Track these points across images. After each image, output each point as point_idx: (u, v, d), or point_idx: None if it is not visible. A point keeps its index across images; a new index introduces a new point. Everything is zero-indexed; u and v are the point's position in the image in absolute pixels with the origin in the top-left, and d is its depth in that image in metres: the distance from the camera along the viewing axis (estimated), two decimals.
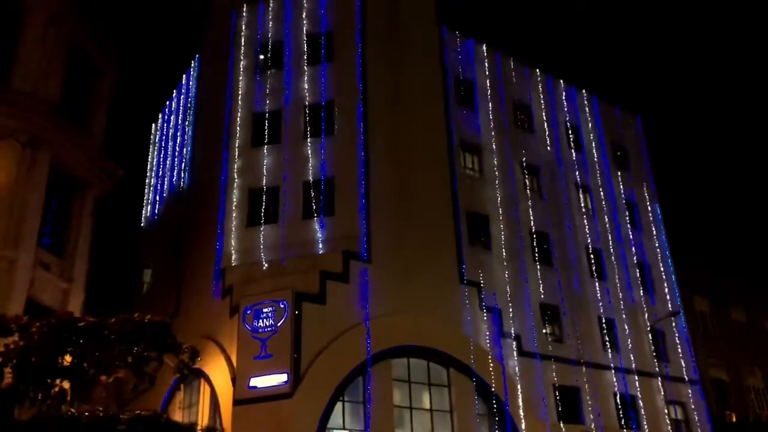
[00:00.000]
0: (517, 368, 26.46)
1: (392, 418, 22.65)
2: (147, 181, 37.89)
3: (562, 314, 29.52)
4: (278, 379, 20.86)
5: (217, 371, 22.80)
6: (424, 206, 26.70)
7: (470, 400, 24.58)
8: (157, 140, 37.99)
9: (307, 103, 27.18)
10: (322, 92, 27.32)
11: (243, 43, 29.06)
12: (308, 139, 26.48)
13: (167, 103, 37.03)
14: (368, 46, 28.27)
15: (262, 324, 21.61)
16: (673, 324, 33.89)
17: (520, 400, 25.75)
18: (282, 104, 27.39)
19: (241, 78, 28.32)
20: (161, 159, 36.21)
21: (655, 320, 31.40)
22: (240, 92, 28.01)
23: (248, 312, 21.93)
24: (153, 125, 39.20)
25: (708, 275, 38.56)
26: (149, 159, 38.44)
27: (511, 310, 27.56)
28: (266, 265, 24.09)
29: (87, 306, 20.74)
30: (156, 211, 35.11)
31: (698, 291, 37.54)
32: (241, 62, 28.62)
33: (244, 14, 29.66)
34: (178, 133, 33.91)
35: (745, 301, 40.04)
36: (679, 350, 33.36)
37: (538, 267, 29.67)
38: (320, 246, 24.45)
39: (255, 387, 21.08)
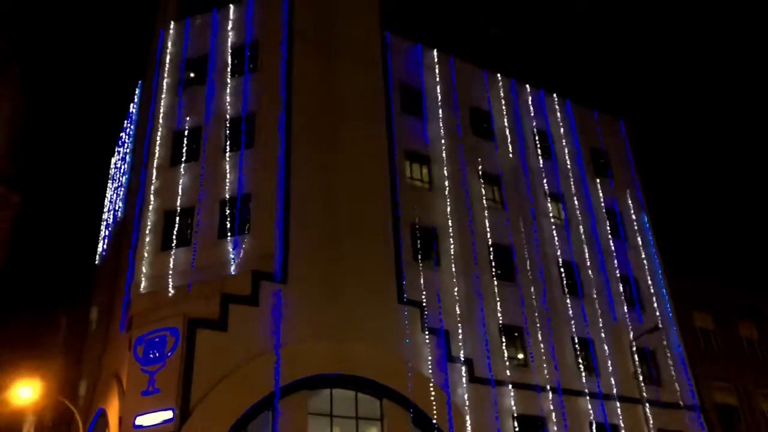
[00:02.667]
0: (466, 396, 23.46)
1: None
2: (103, 216, 36.54)
3: (526, 335, 26.47)
4: (163, 416, 18.47)
5: (113, 411, 20.55)
6: (357, 220, 24.31)
7: None
8: (111, 174, 36.74)
9: (228, 117, 25.36)
10: (243, 105, 25.48)
11: (168, 61, 27.57)
12: (227, 155, 24.54)
13: (120, 134, 35.85)
14: (297, 54, 26.43)
15: (152, 356, 19.36)
16: (664, 342, 30.36)
17: None
18: (203, 120, 25.61)
19: (164, 96, 26.72)
20: (113, 192, 34.84)
21: (634, 339, 27.90)
22: (162, 111, 26.35)
23: (140, 343, 19.75)
24: (112, 159, 38.03)
25: (710, 288, 34.82)
26: (106, 194, 37.18)
27: (461, 331, 24.69)
28: (172, 291, 21.93)
29: None
30: (105, 246, 33.56)
31: (698, 306, 33.82)
32: (165, 80, 27.07)
33: (171, 31, 28.25)
34: (124, 164, 32.50)
35: (757, 315, 36.04)
36: (673, 372, 29.73)
37: (496, 283, 26.80)
38: (232, 268, 22.22)
39: (140, 426, 18.71)
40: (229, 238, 22.86)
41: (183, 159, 25.01)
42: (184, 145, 25.26)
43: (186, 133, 25.51)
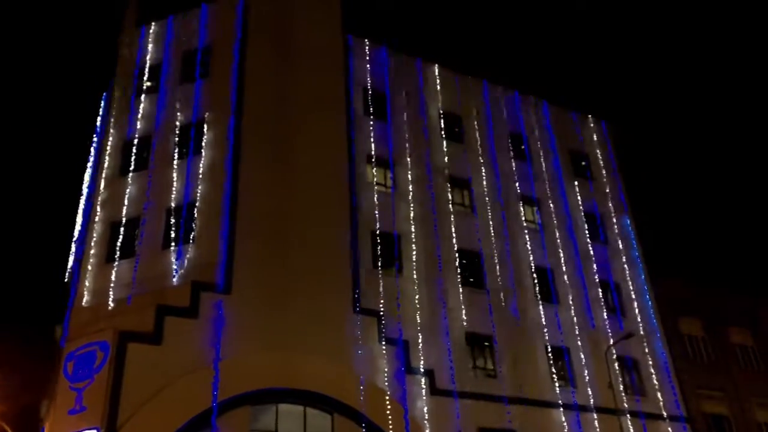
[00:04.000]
0: (425, 410, 22.27)
1: None
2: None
3: (494, 344, 25.26)
4: None
5: None
6: (312, 228, 23.34)
7: None
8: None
9: (177, 124, 24.63)
10: (194, 111, 24.73)
11: (122, 71, 26.95)
12: (175, 163, 23.76)
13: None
14: (251, 57, 25.70)
15: (80, 372, 18.45)
16: (645, 350, 28.97)
17: None
18: (153, 127, 24.89)
19: (115, 105, 26.08)
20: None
21: (610, 347, 26.55)
22: (113, 120, 25.69)
23: (69, 359, 18.88)
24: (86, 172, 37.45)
25: (699, 293, 33.34)
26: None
27: (421, 341, 23.55)
28: (112, 305, 21.07)
29: None
30: (73, 261, 32.84)
31: (686, 311, 32.34)
32: (117, 90, 26.44)
33: (126, 40, 27.67)
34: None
35: (750, 320, 34.42)
36: (656, 381, 28.30)
37: (461, 290, 25.65)
38: (174, 278, 21.33)
39: None
40: (172, 248, 22.00)
41: (131, 168, 24.26)
42: (133, 154, 24.52)
43: (135, 141, 24.79)
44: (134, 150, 24.58)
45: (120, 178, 24.26)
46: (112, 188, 24.10)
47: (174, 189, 23.14)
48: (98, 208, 23.73)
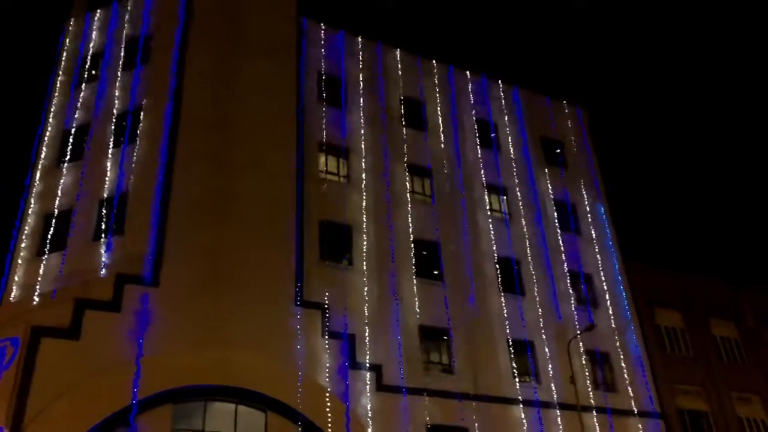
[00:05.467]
0: (369, 407, 21.16)
1: None
2: None
3: (450, 337, 24.11)
4: None
5: None
6: (252, 217, 22.30)
7: None
8: None
9: (115, 112, 23.69)
10: (131, 99, 23.79)
11: (65, 59, 26.11)
12: (109, 152, 22.83)
13: None
14: (193, 43, 24.67)
15: None
16: (617, 343, 27.69)
17: None
18: (91, 117, 23.99)
19: (56, 95, 25.22)
20: None
21: (571, 339, 25.28)
22: (53, 110, 24.83)
23: None
24: None
25: (679, 284, 31.99)
26: None
27: (368, 335, 22.44)
28: (36, 299, 20.15)
29: None
30: None
31: (664, 303, 31.00)
32: (59, 78, 25.60)
33: (71, 28, 26.82)
34: None
35: (734, 312, 32.98)
36: (626, 375, 27.02)
37: (416, 282, 24.52)
38: (102, 271, 20.39)
39: None
40: (102, 240, 21.06)
41: (67, 159, 23.38)
42: (70, 143, 23.63)
43: (73, 131, 23.91)
44: (71, 139, 23.67)
45: (56, 169, 23.40)
46: (48, 179, 23.24)
47: (107, 179, 22.20)
48: (32, 200, 22.86)
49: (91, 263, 20.79)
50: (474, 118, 30.30)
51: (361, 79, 28.11)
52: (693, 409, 28.75)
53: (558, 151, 32.22)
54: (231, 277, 20.93)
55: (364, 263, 23.88)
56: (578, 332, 25.14)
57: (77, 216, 21.75)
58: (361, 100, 27.60)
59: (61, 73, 25.70)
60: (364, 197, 25.33)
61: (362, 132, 26.79)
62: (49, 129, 24.35)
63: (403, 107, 28.72)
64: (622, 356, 27.34)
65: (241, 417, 19.59)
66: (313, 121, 25.94)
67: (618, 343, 27.61)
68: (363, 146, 26.48)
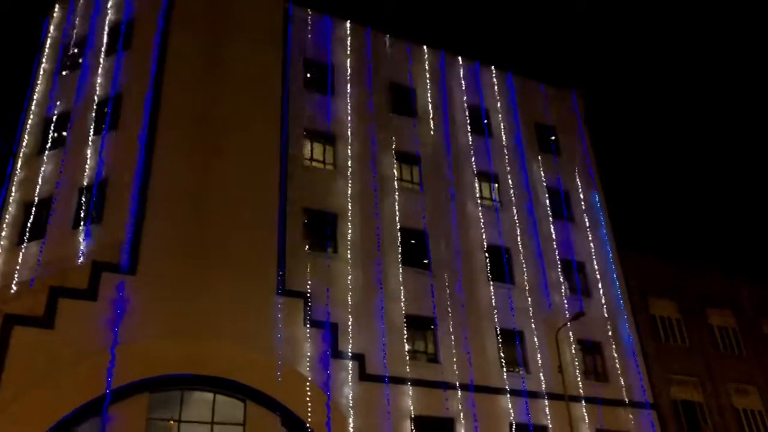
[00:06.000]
0: (351, 396, 20.89)
1: None
2: None
3: (435, 327, 23.78)
4: None
5: None
6: (234, 205, 22.01)
7: None
8: None
9: (96, 99, 23.42)
10: (113, 85, 23.50)
11: (49, 45, 25.87)
12: (90, 139, 22.58)
13: None
14: (176, 28, 24.31)
15: None
16: (609, 333, 27.26)
17: None
18: (72, 104, 23.74)
19: (39, 82, 25.00)
20: None
21: (560, 328, 24.87)
22: (36, 97, 24.62)
23: None
24: None
25: (675, 273, 31.48)
26: None
27: (351, 324, 22.15)
28: (14, 287, 19.98)
29: None
30: None
31: (659, 292, 30.49)
32: (43, 66, 25.37)
33: (55, 14, 26.56)
34: None
35: (731, 302, 32.44)
36: (618, 366, 26.61)
37: (401, 270, 24.18)
38: (80, 259, 20.17)
39: None
40: (81, 228, 20.84)
41: (48, 146, 23.16)
42: (51, 131, 23.41)
43: (55, 118, 23.67)
44: (53, 127, 23.45)
45: (37, 157, 23.18)
46: (29, 168, 23.04)
47: (87, 167, 21.96)
48: (13, 189, 22.67)
49: (69, 252, 20.58)
50: (465, 105, 29.83)
51: (348, 64, 27.68)
52: (687, 399, 28.31)
53: (552, 137, 31.71)
54: (211, 265, 20.68)
55: (349, 251, 23.55)
56: (567, 320, 24.72)
57: (57, 204, 21.53)
58: (349, 86, 27.19)
59: (44, 60, 25.46)
60: (350, 185, 24.97)
61: (349, 118, 26.39)
62: (32, 117, 24.12)
63: (391, 94, 28.28)
64: (614, 346, 26.92)
65: (219, 406, 19.39)
66: (298, 107, 25.56)
67: (610, 333, 27.18)
68: (349, 133, 26.08)
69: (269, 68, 25.32)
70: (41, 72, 25.22)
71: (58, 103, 23.91)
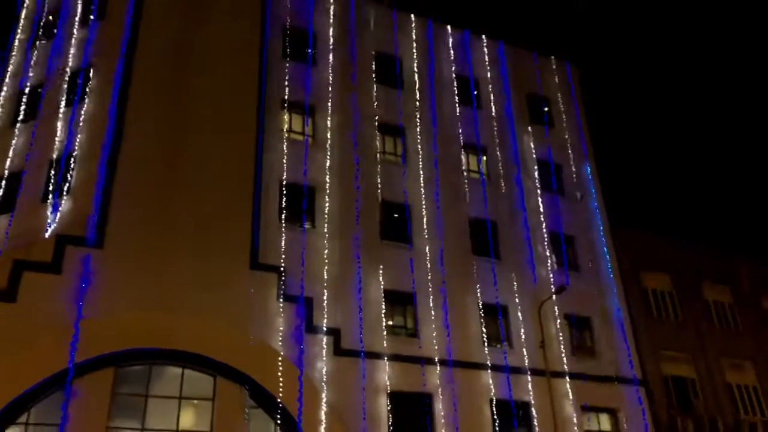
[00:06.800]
0: (324, 371, 20.56)
1: None
2: None
3: (414, 301, 23.32)
4: None
5: None
6: (207, 179, 21.59)
7: (241, 415, 18.99)
8: None
9: (68, 70, 22.97)
10: (84, 56, 23.02)
11: (24, 16, 25.39)
12: (60, 111, 22.16)
13: None
14: None
15: None
16: (598, 307, 26.68)
17: (322, 414, 19.83)
18: (45, 75, 23.31)
19: (14, 54, 24.56)
20: None
21: (543, 302, 24.32)
22: (10, 69, 24.21)
23: None
24: None
25: (669, 247, 30.77)
26: None
27: (326, 299, 21.73)
28: None
29: None
30: None
31: (652, 266, 29.81)
32: (18, 36, 24.92)
33: None
34: None
35: (727, 276, 31.70)
36: (606, 341, 26.08)
37: (381, 244, 23.68)
38: (48, 232, 19.87)
39: None
40: (50, 201, 20.52)
41: (21, 119, 22.79)
42: (23, 103, 23.01)
43: (27, 90, 23.27)
44: (25, 99, 23.06)
45: (9, 130, 22.82)
46: (1, 141, 22.68)
47: (57, 139, 21.58)
48: None
49: (38, 225, 20.28)
50: (454, 75, 29.05)
51: (331, 33, 26.97)
52: (679, 375, 27.76)
53: (545, 109, 30.89)
54: (182, 239, 20.33)
55: (326, 225, 23.07)
56: (550, 295, 24.18)
57: (27, 177, 21.21)
58: (331, 55, 26.50)
59: (20, 30, 24.98)
60: (329, 157, 24.40)
61: (330, 89, 25.74)
62: (5, 89, 23.72)
63: (376, 63, 27.55)
64: (603, 321, 26.36)
65: (188, 382, 19.14)
66: (277, 77, 24.95)
67: (599, 307, 26.61)
68: (330, 104, 25.45)
69: (247, 37, 24.72)
70: (16, 43, 24.76)
71: (31, 74, 23.50)
